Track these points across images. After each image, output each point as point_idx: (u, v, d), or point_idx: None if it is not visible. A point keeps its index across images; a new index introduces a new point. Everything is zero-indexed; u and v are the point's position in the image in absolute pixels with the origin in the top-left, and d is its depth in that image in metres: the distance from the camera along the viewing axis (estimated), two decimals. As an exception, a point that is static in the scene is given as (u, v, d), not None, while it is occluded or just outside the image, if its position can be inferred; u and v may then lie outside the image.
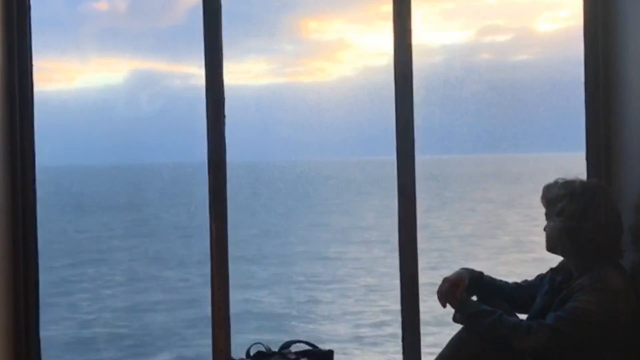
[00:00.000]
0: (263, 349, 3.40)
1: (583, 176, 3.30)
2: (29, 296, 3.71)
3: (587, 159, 3.63)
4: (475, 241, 27.78)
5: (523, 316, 3.16)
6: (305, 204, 39.95)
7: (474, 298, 3.21)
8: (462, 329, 3.07)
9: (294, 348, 3.43)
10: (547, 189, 3.11)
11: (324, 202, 40.58)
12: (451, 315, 3.12)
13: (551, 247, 3.11)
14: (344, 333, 15.22)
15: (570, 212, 2.99)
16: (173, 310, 18.25)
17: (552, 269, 3.22)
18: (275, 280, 22.74)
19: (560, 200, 3.03)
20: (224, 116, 3.70)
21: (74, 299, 20.26)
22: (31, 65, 3.76)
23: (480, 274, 3.27)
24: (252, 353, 3.40)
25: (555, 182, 3.10)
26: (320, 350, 3.42)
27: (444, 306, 3.15)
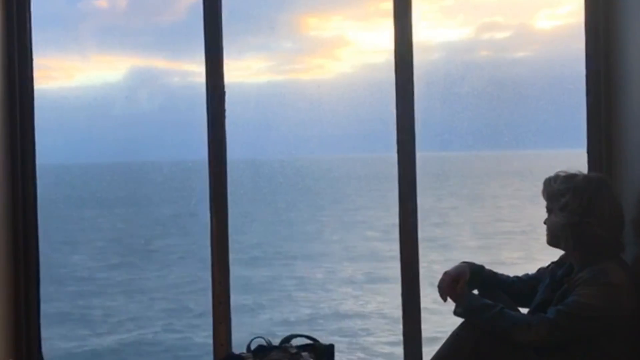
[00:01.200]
0: (264, 343, 3.40)
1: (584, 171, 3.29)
2: (30, 293, 3.73)
3: (589, 154, 3.64)
4: (532, 238, 27.43)
5: (524, 310, 3.16)
6: (323, 201, 39.93)
7: (475, 292, 3.21)
8: (463, 322, 3.07)
9: (295, 342, 3.44)
10: (549, 183, 3.10)
11: (347, 199, 40.49)
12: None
13: (553, 242, 3.11)
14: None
15: (574, 207, 2.98)
16: (257, 311, 18.25)
17: (553, 263, 3.22)
18: (336, 279, 22.67)
19: (563, 194, 3.02)
20: (224, 110, 3.71)
21: (146, 299, 20.36)
22: (32, 62, 3.77)
23: (481, 267, 3.28)
24: (252, 347, 3.40)
25: (557, 176, 3.09)
26: (321, 344, 3.42)
27: (445, 300, 3.16)
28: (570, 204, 2.99)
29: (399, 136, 3.68)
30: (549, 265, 3.24)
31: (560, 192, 3.03)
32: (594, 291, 2.88)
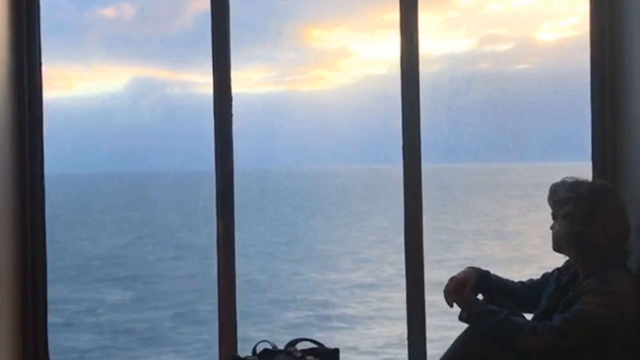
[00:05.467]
0: (269, 347, 3.42)
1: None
2: (37, 296, 3.75)
3: (593, 163, 3.66)
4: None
5: (529, 316, 3.17)
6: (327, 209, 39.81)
7: (480, 296, 3.22)
8: (468, 328, 3.09)
9: (300, 346, 3.45)
10: (554, 190, 3.09)
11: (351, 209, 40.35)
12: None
13: (557, 248, 3.12)
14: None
15: (576, 216, 2.99)
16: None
17: (558, 269, 3.23)
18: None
19: (567, 203, 3.02)
20: (231, 115, 3.74)
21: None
22: (40, 70, 3.78)
23: (487, 272, 3.28)
24: (258, 351, 3.42)
25: (563, 182, 3.09)
26: (326, 348, 3.43)
27: (451, 305, 3.16)
28: (573, 213, 3.00)
29: (405, 147, 3.70)
30: (554, 271, 3.24)
31: (564, 200, 3.03)
32: (600, 300, 2.89)
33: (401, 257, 3.74)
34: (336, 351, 3.43)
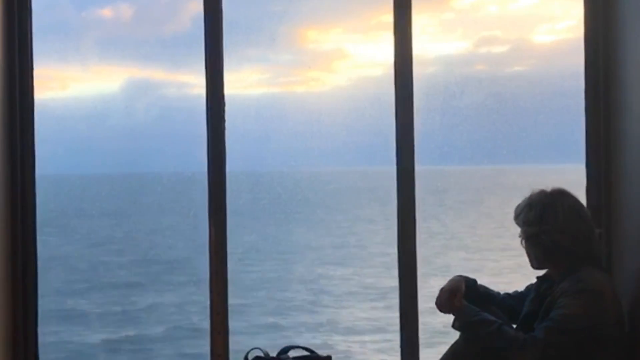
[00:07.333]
0: (261, 354, 3.41)
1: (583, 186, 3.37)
2: (28, 301, 3.73)
3: (587, 168, 3.65)
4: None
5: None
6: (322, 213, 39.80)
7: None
8: (460, 336, 3.10)
9: (292, 353, 3.44)
10: (516, 208, 3.18)
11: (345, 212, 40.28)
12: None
13: (533, 264, 3.16)
14: None
15: (530, 219, 3.07)
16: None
17: (538, 277, 3.26)
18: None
19: (522, 211, 3.11)
20: (224, 120, 3.71)
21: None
22: (32, 72, 3.76)
23: (475, 281, 3.30)
24: (250, 358, 3.41)
25: (523, 199, 3.16)
26: (318, 355, 3.43)
27: (445, 313, 3.16)
28: (528, 217, 3.08)
29: (399, 149, 3.68)
30: (537, 281, 3.26)
31: (520, 209, 3.13)
32: (576, 300, 2.92)
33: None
34: (328, 358, 3.42)
